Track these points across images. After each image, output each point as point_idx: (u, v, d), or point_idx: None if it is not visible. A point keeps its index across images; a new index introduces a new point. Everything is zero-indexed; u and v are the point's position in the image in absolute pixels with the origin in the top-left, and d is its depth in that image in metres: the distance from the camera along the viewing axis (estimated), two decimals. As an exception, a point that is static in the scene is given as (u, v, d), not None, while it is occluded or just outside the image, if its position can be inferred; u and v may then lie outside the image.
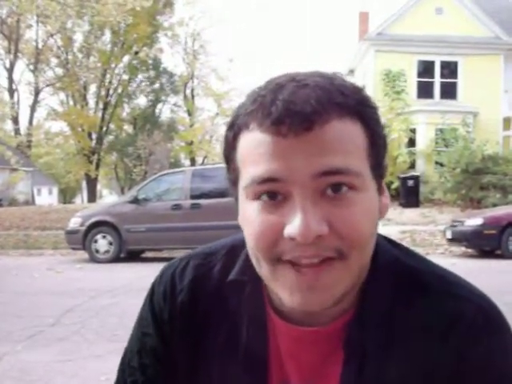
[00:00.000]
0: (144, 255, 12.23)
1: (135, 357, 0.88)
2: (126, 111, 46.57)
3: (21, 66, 67.60)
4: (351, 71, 26.16)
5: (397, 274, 0.79)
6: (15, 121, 35.64)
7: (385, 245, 0.82)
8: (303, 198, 0.68)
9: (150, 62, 44.37)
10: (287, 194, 0.69)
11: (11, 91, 37.54)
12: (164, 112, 49.92)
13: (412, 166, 20.41)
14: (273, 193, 0.69)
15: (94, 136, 40.92)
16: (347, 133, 0.70)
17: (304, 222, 0.67)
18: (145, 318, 0.89)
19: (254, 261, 0.75)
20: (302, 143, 0.67)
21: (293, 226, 0.67)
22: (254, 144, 0.70)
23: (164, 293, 0.87)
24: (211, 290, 0.85)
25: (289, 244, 0.69)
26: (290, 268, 0.70)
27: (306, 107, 0.67)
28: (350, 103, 0.70)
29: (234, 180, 0.76)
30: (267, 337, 0.81)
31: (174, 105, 47.73)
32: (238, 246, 0.86)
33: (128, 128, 47.65)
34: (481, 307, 0.76)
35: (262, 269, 0.73)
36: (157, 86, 46.03)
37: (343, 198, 0.69)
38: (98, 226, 11.30)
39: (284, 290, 0.72)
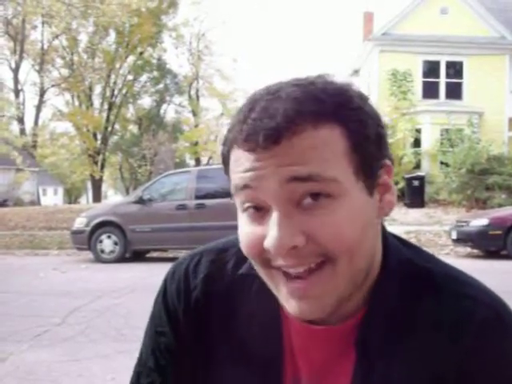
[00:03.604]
0: (149, 255, 12.25)
1: (151, 357, 0.88)
2: (130, 112, 46.66)
3: (26, 66, 67.83)
4: (356, 71, 26.13)
5: (408, 273, 0.79)
6: (21, 121, 35.70)
7: (396, 244, 0.82)
8: (277, 209, 0.69)
9: (155, 62, 44.45)
10: (267, 205, 0.71)
11: (17, 92, 37.61)
12: (169, 112, 49.97)
13: (417, 166, 20.37)
14: (256, 206, 0.72)
15: (99, 136, 40.97)
16: (321, 141, 0.69)
17: (276, 235, 0.68)
18: (158, 317, 0.89)
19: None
20: (271, 156, 0.69)
21: (267, 239, 0.69)
22: (235, 159, 0.73)
23: (178, 289, 0.87)
24: (225, 287, 0.85)
25: (271, 254, 0.71)
26: (281, 275, 0.72)
27: (271, 123, 0.68)
28: (326, 109, 0.70)
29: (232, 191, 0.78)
30: (281, 332, 0.81)
31: (179, 105, 47.83)
32: None
33: (133, 128, 47.74)
34: (493, 308, 0.76)
35: (260, 273, 0.76)
36: (161, 86, 46.10)
37: (320, 206, 0.69)
38: (103, 226, 11.32)
39: (280, 294, 0.74)
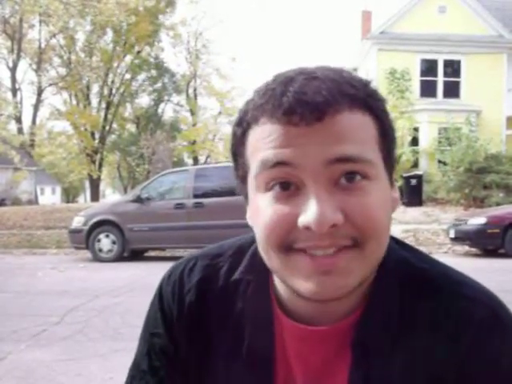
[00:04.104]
0: (147, 254, 12.24)
1: (145, 359, 0.88)
2: (128, 111, 46.62)
3: (24, 65, 67.81)
4: (354, 70, 26.05)
5: (405, 274, 0.79)
6: (18, 120, 35.65)
7: (392, 245, 0.81)
8: (317, 187, 0.68)
9: (153, 61, 44.40)
10: (299, 183, 0.69)
11: (14, 91, 37.56)
12: (167, 111, 50.15)
13: (415, 164, 20.40)
14: (285, 182, 0.69)
15: (96, 135, 40.92)
16: (358, 124, 0.70)
17: (319, 211, 0.66)
18: (153, 318, 0.89)
19: (263, 254, 0.74)
20: (314, 132, 0.67)
21: (308, 215, 0.67)
22: (265, 135, 0.70)
23: (173, 292, 0.87)
24: (218, 291, 0.85)
25: (303, 234, 0.68)
26: (304, 255, 0.70)
27: (317, 98, 0.67)
28: (360, 95, 0.71)
29: (242, 176, 0.76)
30: (273, 335, 0.81)
31: (177, 104, 47.81)
32: (245, 247, 0.86)
33: (131, 127, 47.68)
34: (491, 308, 0.76)
35: (273, 261, 0.72)
36: (159, 85, 46.06)
37: (357, 187, 0.69)
38: (101, 225, 11.31)
39: (298, 277, 0.71)
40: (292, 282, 0.72)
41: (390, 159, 0.74)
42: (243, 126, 0.73)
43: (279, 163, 0.68)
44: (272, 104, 0.69)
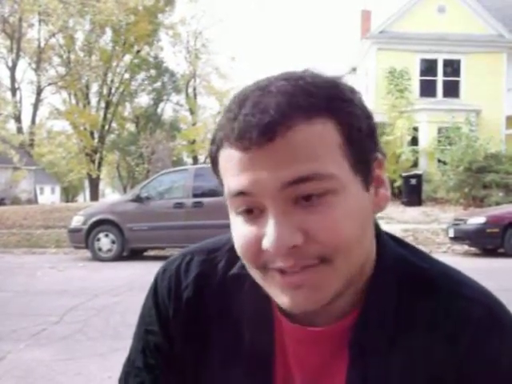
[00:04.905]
0: (146, 253, 12.24)
1: (139, 356, 0.87)
2: (127, 110, 46.63)
3: (23, 65, 67.79)
4: (353, 69, 26.14)
5: (403, 273, 0.78)
6: (18, 119, 35.62)
7: (390, 243, 0.81)
8: (275, 210, 0.67)
9: (152, 60, 44.41)
10: (261, 207, 0.69)
11: (14, 90, 37.53)
12: (166, 111, 50.00)
13: (415, 164, 20.40)
14: (248, 209, 0.70)
15: (96, 135, 40.90)
16: (315, 135, 0.67)
17: (275, 235, 0.66)
18: (148, 315, 0.88)
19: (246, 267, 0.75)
20: (266, 154, 0.66)
21: (266, 239, 0.67)
22: (226, 159, 0.70)
23: (168, 288, 0.86)
24: (216, 286, 0.84)
25: (269, 255, 0.69)
26: (277, 273, 0.70)
27: (264, 118, 0.66)
28: (318, 102, 0.68)
29: (223, 192, 0.76)
30: (273, 334, 0.80)
31: (177, 103, 47.84)
32: None
33: (130, 127, 47.70)
34: (489, 308, 0.76)
35: (254, 275, 0.74)
36: (159, 84, 46.07)
37: (318, 203, 0.67)
38: (100, 224, 11.31)
39: (275, 291, 0.72)
40: (272, 295, 0.73)
41: (361, 163, 0.71)
42: (215, 144, 0.73)
43: (240, 193, 0.69)
44: (227, 128, 0.69)
